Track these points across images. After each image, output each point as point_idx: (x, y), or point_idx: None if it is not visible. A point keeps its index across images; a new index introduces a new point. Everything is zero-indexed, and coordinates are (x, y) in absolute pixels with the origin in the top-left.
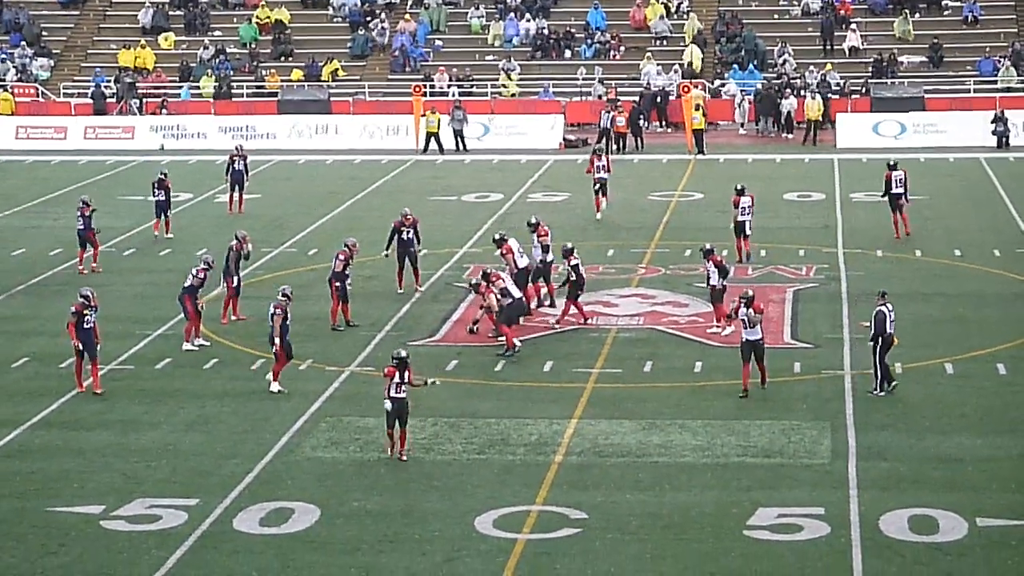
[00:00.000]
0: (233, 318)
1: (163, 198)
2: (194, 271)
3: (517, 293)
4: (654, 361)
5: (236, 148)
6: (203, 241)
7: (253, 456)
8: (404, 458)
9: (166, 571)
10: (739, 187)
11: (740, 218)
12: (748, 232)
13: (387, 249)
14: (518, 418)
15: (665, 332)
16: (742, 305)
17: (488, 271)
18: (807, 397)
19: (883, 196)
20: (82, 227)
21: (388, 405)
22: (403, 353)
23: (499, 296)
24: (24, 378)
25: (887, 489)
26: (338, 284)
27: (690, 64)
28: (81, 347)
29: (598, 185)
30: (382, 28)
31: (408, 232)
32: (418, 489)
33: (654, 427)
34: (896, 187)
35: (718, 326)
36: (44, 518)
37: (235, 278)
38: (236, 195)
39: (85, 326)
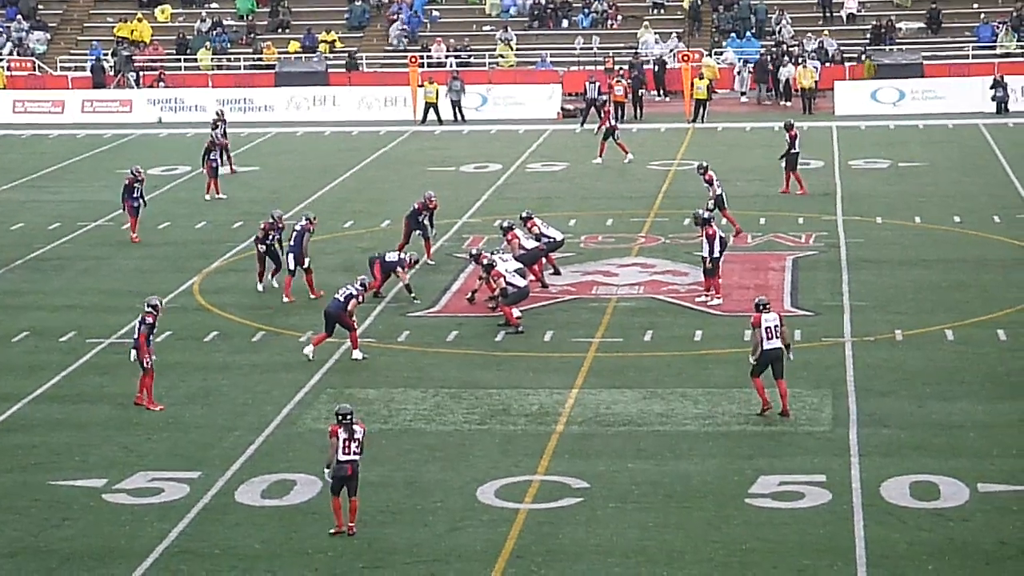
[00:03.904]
0: (312, 296)
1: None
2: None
3: (521, 283)
4: (654, 330)
5: (216, 113)
6: (201, 214)
7: (254, 428)
8: (354, 532)
9: (168, 543)
10: (705, 164)
11: (719, 191)
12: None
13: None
14: (519, 388)
15: (665, 301)
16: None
17: (490, 264)
18: (808, 365)
19: (782, 158)
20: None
21: (334, 472)
22: (348, 407)
23: (505, 284)
24: (24, 352)
25: (888, 456)
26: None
27: (689, 17)
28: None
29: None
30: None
31: (425, 217)
32: (420, 460)
33: (655, 396)
34: (796, 147)
35: (707, 295)
36: (46, 492)
37: (302, 258)
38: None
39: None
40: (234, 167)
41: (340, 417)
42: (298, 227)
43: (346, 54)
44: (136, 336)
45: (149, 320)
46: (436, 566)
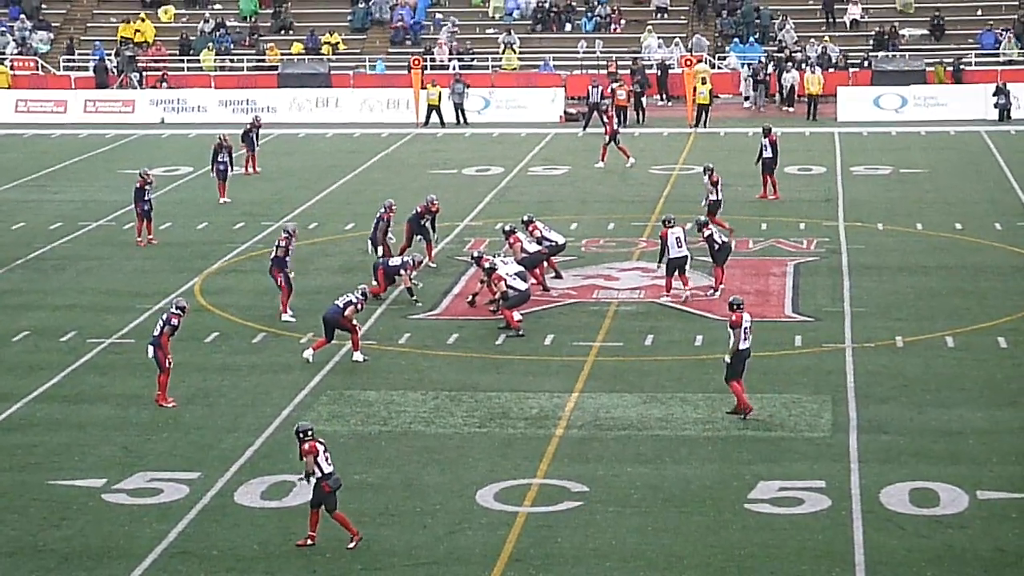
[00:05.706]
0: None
1: (224, 164)
2: (277, 241)
3: (522, 286)
4: (655, 334)
5: (253, 118)
6: (202, 215)
7: (254, 429)
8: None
9: (167, 544)
10: (711, 166)
11: (715, 197)
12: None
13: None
14: (519, 391)
15: (666, 305)
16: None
17: (491, 267)
18: (808, 370)
19: (756, 162)
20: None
21: (334, 484)
22: (308, 423)
23: (506, 287)
24: (24, 351)
25: (888, 462)
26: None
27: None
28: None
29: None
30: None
31: (427, 221)
32: (419, 462)
33: (655, 400)
34: (774, 151)
35: (673, 293)
36: (45, 491)
37: (380, 247)
38: (250, 156)
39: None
40: (249, 169)
41: (305, 434)
42: (378, 214)
43: (409, 56)
44: (157, 335)
45: (174, 322)
46: (434, 569)
